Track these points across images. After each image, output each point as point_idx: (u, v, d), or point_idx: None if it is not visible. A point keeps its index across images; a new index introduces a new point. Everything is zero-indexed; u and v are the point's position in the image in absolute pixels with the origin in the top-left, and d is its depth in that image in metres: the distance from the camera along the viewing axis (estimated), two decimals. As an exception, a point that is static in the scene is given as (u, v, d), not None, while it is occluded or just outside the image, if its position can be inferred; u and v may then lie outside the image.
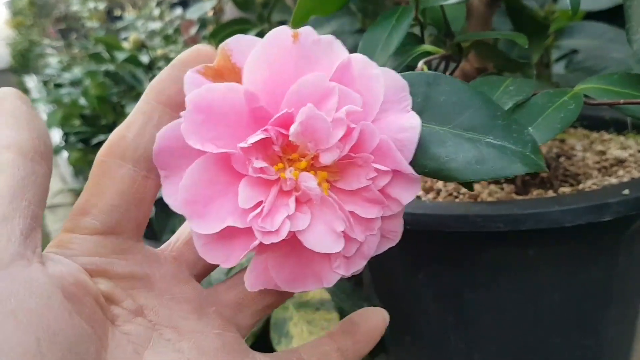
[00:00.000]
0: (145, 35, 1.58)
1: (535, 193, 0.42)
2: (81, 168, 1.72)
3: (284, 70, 0.22)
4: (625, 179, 0.41)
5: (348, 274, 0.24)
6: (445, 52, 0.38)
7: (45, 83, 2.15)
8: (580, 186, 0.42)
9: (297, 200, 0.23)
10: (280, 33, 0.22)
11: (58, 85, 1.72)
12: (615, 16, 0.56)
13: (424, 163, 0.25)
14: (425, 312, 0.45)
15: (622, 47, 0.65)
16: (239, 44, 0.22)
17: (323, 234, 0.23)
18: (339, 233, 0.23)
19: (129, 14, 2.26)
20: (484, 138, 0.25)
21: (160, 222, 0.94)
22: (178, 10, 1.68)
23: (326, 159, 0.22)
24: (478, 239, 0.39)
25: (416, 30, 0.39)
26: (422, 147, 0.24)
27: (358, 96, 0.22)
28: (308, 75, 0.22)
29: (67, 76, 1.70)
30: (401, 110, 0.23)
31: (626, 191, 0.36)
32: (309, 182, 0.22)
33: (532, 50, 0.44)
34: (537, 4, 0.68)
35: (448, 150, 0.24)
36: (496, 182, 0.45)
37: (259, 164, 0.22)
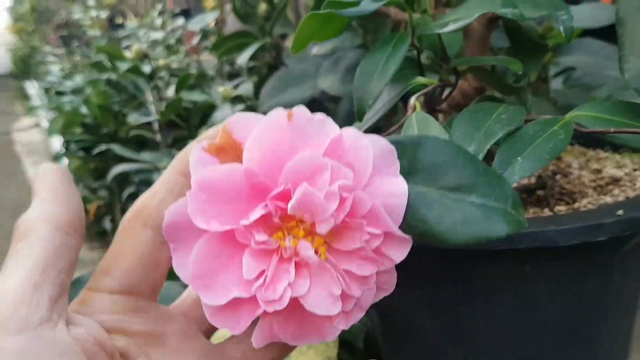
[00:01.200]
0: (147, 45, 1.59)
1: (531, 211, 0.43)
2: (81, 176, 1.73)
3: (280, 147, 0.24)
4: (620, 198, 0.42)
5: (348, 326, 0.26)
6: (439, 82, 0.39)
7: (46, 90, 2.16)
8: (576, 205, 0.43)
9: (297, 265, 0.25)
10: (276, 115, 0.24)
11: (59, 93, 1.74)
12: (612, 33, 0.56)
13: (413, 225, 0.26)
14: (422, 328, 0.45)
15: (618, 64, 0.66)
16: (239, 122, 0.24)
17: (322, 298, 0.25)
18: (336, 296, 0.25)
19: (131, 22, 2.28)
20: (468, 197, 0.26)
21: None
22: (180, 20, 1.69)
23: (322, 229, 0.24)
24: (474, 256, 0.39)
25: (413, 53, 0.40)
26: (411, 209, 0.26)
27: (349, 171, 0.24)
28: (303, 153, 0.24)
29: (68, 84, 1.71)
30: (390, 173, 0.25)
31: (620, 212, 0.36)
32: (307, 251, 0.24)
33: (529, 70, 0.45)
34: (534, 22, 0.69)
35: (435, 213, 0.26)
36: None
37: (260, 237, 0.24)
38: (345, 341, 0.54)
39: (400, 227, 0.25)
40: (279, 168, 0.24)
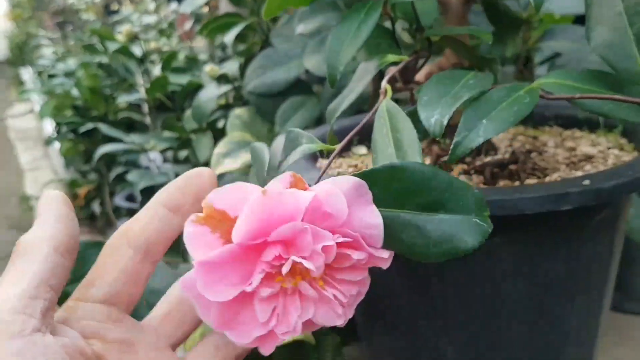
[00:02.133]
0: (140, 30, 1.59)
1: (502, 184, 0.43)
2: (72, 159, 1.73)
3: (263, 217, 0.27)
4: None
5: (352, 314, 0.31)
6: (413, 55, 0.39)
7: (39, 74, 2.16)
8: (547, 179, 0.43)
9: (301, 296, 0.29)
10: (252, 198, 0.27)
11: (51, 76, 1.73)
12: None
13: (393, 246, 0.29)
14: (396, 299, 0.46)
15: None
16: (217, 196, 0.28)
17: (327, 315, 0.29)
18: (339, 313, 0.29)
19: (126, 8, 2.27)
20: (437, 215, 0.29)
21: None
22: (174, 5, 1.69)
23: (315, 274, 0.28)
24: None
25: (389, 24, 0.40)
26: (387, 232, 0.29)
27: (327, 233, 0.27)
28: (285, 226, 0.27)
29: (60, 67, 1.71)
30: (364, 203, 0.29)
31: (587, 182, 0.37)
32: (308, 291, 0.28)
33: (506, 45, 0.45)
34: (519, 6, 0.69)
35: (409, 235, 0.29)
36: (465, 172, 0.46)
37: (265, 292, 0.28)
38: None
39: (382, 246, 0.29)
40: (266, 231, 0.27)
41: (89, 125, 1.22)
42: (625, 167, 0.40)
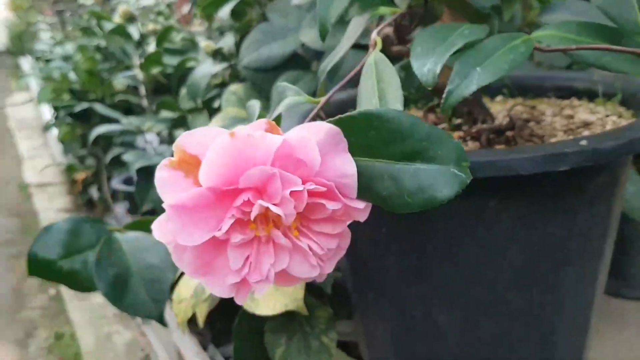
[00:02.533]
0: (139, 13, 1.57)
1: (497, 148, 0.42)
2: (70, 146, 1.72)
3: (232, 162, 0.26)
4: (588, 139, 0.41)
5: (332, 268, 0.31)
6: (407, 10, 0.38)
7: (37, 59, 2.14)
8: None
9: (275, 244, 0.28)
10: (219, 139, 0.26)
11: (48, 61, 1.72)
12: None
13: (368, 196, 0.29)
14: (388, 267, 0.45)
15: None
16: (187, 139, 0.27)
17: (301, 266, 0.29)
18: (313, 264, 0.29)
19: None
20: (413, 165, 0.28)
21: (142, 192, 0.94)
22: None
23: (287, 221, 0.27)
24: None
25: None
26: (361, 182, 0.28)
27: (297, 178, 0.27)
28: (254, 168, 0.26)
29: (58, 51, 1.70)
30: (338, 151, 0.28)
31: (584, 142, 0.36)
32: (280, 239, 0.28)
33: (503, 5, 0.44)
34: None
35: (384, 184, 0.28)
36: (461, 139, 0.45)
37: (236, 238, 0.27)
38: (314, 286, 0.54)
39: (357, 197, 0.29)
40: (236, 177, 0.27)
41: (84, 105, 1.20)
42: (623, 129, 0.39)
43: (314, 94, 0.72)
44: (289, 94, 0.32)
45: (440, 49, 0.30)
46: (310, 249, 0.28)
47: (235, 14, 0.85)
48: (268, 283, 0.29)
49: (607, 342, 0.69)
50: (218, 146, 0.26)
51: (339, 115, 0.30)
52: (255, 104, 0.35)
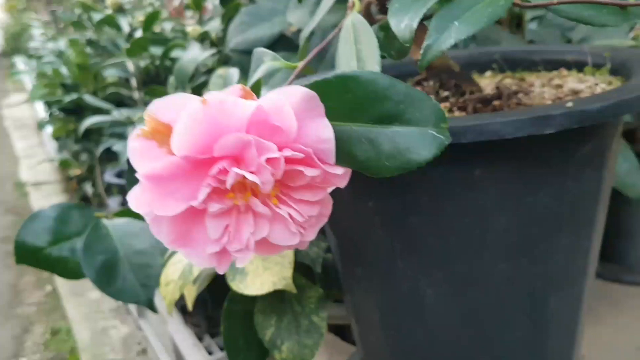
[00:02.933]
0: (130, 6, 1.56)
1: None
2: (64, 143, 1.71)
3: (205, 129, 0.25)
4: (577, 106, 0.41)
5: (314, 235, 0.30)
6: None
7: (30, 56, 2.13)
8: (532, 112, 0.41)
9: (254, 213, 0.28)
10: (190, 105, 0.25)
11: (40, 58, 1.71)
12: None
13: (346, 162, 0.28)
14: (375, 241, 0.44)
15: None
16: (159, 106, 0.26)
17: (282, 233, 0.28)
18: (293, 231, 0.28)
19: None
20: (391, 128, 0.27)
21: (132, 182, 0.92)
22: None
23: (265, 189, 0.27)
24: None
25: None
26: (339, 147, 0.28)
27: (272, 145, 0.26)
28: (228, 135, 0.25)
29: (50, 46, 1.69)
30: (315, 116, 0.27)
31: (570, 104, 0.35)
32: (258, 207, 0.28)
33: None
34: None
35: (362, 148, 0.28)
36: (449, 110, 0.44)
37: (213, 207, 0.27)
38: (303, 265, 0.53)
39: (336, 163, 0.28)
40: (211, 145, 0.26)
41: (73, 96, 1.19)
42: (610, 92, 0.38)
43: (302, 77, 0.71)
44: (266, 59, 0.31)
45: (417, 5, 0.29)
46: (290, 216, 0.28)
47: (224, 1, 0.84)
48: (248, 252, 0.28)
49: (606, 327, 0.68)
50: (189, 113, 0.25)
51: (315, 79, 0.29)
52: (233, 72, 0.34)
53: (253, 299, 0.50)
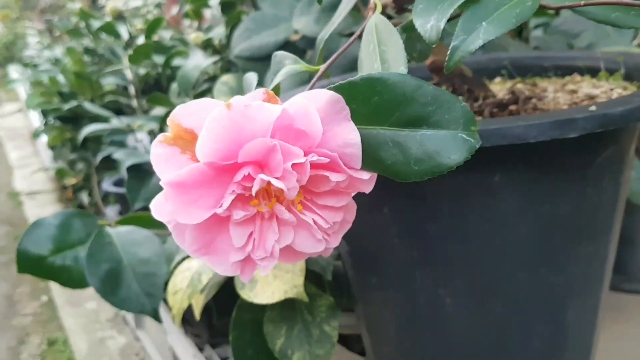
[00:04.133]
0: (128, 14, 1.56)
1: (502, 122, 0.41)
2: (60, 152, 1.70)
3: (230, 135, 0.25)
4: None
5: (338, 242, 0.29)
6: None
7: (25, 65, 2.12)
8: (549, 117, 0.41)
9: (279, 220, 0.27)
10: (215, 111, 0.25)
11: (35, 66, 1.70)
12: None
13: (373, 166, 0.27)
14: (391, 250, 0.43)
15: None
16: (182, 112, 0.26)
17: (307, 240, 0.28)
18: (318, 238, 0.28)
19: (111, 1, 2.24)
20: (419, 131, 0.27)
21: (133, 191, 0.92)
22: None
23: (290, 196, 0.26)
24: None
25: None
26: (365, 151, 0.27)
27: (298, 149, 0.25)
28: (254, 141, 0.25)
29: (46, 54, 1.68)
30: (341, 119, 0.27)
31: (593, 107, 0.35)
32: (283, 214, 0.27)
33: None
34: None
35: (389, 152, 0.27)
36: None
37: (238, 214, 0.26)
38: (313, 273, 0.52)
39: (362, 167, 0.27)
40: (235, 151, 0.25)
41: (73, 103, 1.18)
42: (632, 96, 0.37)
43: (307, 83, 0.70)
44: (287, 62, 0.30)
45: (443, 5, 0.28)
46: (315, 223, 0.27)
47: (225, 6, 0.83)
48: (273, 259, 0.28)
49: (609, 336, 0.68)
50: (214, 118, 0.25)
51: (340, 81, 0.28)
52: (252, 76, 0.33)
53: (262, 308, 0.50)
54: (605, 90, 0.45)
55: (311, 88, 0.31)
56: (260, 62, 0.71)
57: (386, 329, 0.47)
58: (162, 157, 0.26)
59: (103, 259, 0.59)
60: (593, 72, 0.51)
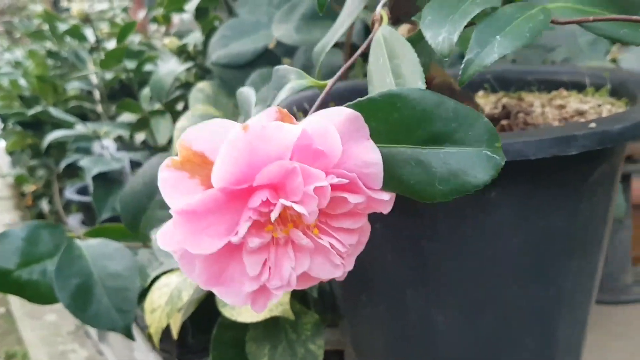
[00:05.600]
0: (93, 17, 1.52)
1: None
2: (19, 157, 1.64)
3: (246, 158, 0.24)
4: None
5: (352, 265, 0.28)
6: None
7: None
8: (542, 133, 0.40)
9: (294, 245, 0.26)
10: (231, 134, 0.24)
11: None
12: None
13: (393, 186, 0.26)
14: (382, 267, 0.42)
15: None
16: (193, 135, 0.24)
17: (324, 266, 0.26)
18: (336, 264, 0.26)
19: (76, 4, 2.18)
20: (442, 148, 0.26)
21: (100, 200, 0.89)
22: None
23: (309, 220, 0.25)
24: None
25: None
26: (387, 171, 0.26)
27: (320, 172, 0.24)
28: (271, 166, 0.24)
29: (6, 56, 1.62)
30: (360, 138, 0.25)
31: (592, 124, 0.34)
32: (301, 240, 0.26)
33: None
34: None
35: (412, 172, 0.26)
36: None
37: (253, 242, 0.25)
38: (298, 291, 0.51)
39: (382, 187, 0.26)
40: (251, 174, 0.24)
41: (38, 108, 1.14)
42: (626, 113, 0.37)
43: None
44: (292, 77, 0.29)
45: (454, 17, 0.27)
46: (332, 247, 0.26)
47: (199, 11, 0.81)
48: (289, 288, 0.26)
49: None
50: (231, 142, 0.24)
51: (359, 99, 0.27)
52: (249, 92, 0.32)
53: (245, 326, 0.48)
54: (594, 106, 0.45)
55: (320, 105, 0.30)
56: (238, 70, 0.69)
57: (374, 346, 0.46)
58: (170, 182, 0.24)
59: (73, 273, 0.56)
60: (578, 87, 0.52)
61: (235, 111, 0.71)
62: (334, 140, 0.24)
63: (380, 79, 0.28)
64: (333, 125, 0.25)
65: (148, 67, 1.09)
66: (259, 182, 0.24)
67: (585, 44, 0.81)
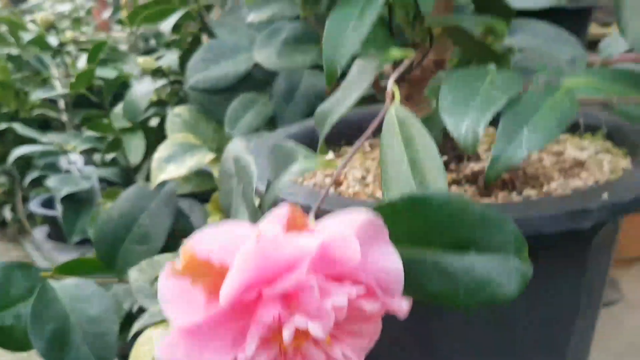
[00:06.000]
0: (54, 18, 1.46)
1: (500, 196, 0.39)
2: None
3: (257, 268, 0.22)
4: (590, 182, 0.39)
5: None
6: (415, 53, 0.34)
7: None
8: (545, 188, 0.39)
9: (303, 357, 0.24)
10: (245, 247, 0.22)
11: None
12: (551, 16, 0.54)
13: (414, 293, 0.25)
14: (388, 347, 0.41)
15: (564, 47, 0.64)
16: (199, 242, 0.23)
17: None
18: None
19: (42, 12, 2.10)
20: (467, 256, 0.24)
21: (69, 223, 0.85)
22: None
23: (322, 337, 0.23)
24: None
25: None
26: (407, 278, 0.24)
27: (339, 288, 0.23)
28: (286, 280, 0.22)
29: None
30: (379, 243, 0.24)
31: (605, 195, 0.33)
32: (312, 353, 0.24)
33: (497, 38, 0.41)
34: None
35: (434, 280, 0.25)
36: (455, 182, 0.42)
37: (261, 356, 0.23)
38: None
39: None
40: (260, 284, 0.23)
41: (3, 125, 1.08)
42: (635, 177, 0.36)
43: (271, 119, 0.67)
44: (300, 157, 0.27)
45: (475, 103, 0.26)
46: (344, 355, 0.24)
47: (174, 26, 0.78)
48: None
49: None
50: (244, 256, 0.22)
51: (378, 202, 0.26)
52: (246, 161, 0.30)
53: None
54: (592, 155, 0.44)
55: (327, 190, 0.28)
56: (218, 94, 0.66)
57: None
58: (172, 292, 0.23)
59: (48, 318, 0.54)
60: (573, 127, 0.51)
61: (215, 137, 0.68)
62: (353, 250, 0.23)
63: (395, 168, 0.26)
64: (352, 230, 0.23)
65: (108, 72, 1.05)
66: (274, 295, 0.22)
67: (564, 62, 0.81)
